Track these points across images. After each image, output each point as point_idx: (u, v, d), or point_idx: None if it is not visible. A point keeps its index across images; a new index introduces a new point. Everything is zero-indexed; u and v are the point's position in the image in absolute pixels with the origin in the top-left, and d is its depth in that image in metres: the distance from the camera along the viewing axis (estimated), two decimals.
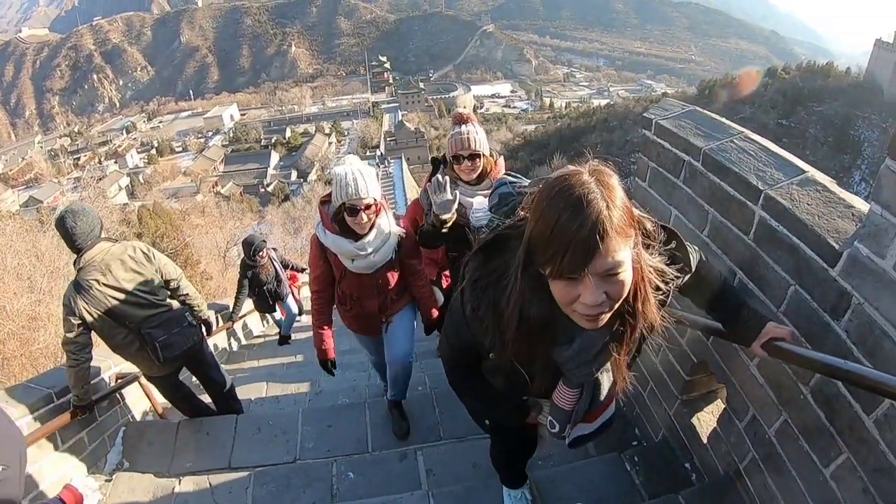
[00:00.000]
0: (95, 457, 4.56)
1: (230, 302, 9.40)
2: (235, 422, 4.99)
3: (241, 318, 10.11)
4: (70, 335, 3.96)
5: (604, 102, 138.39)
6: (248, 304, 9.83)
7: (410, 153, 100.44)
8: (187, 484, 4.19)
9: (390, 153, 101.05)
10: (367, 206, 3.48)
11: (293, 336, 10.20)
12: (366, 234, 3.67)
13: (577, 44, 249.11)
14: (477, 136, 3.83)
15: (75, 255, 3.97)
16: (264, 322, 12.12)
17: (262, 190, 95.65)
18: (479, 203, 3.82)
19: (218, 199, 75.64)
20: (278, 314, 10.10)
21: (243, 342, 10.66)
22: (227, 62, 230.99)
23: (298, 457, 4.57)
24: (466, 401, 2.46)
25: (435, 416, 4.86)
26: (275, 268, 9.22)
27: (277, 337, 10.25)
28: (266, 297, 9.34)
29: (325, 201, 3.72)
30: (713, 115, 3.20)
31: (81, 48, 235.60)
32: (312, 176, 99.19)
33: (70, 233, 3.94)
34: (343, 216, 3.55)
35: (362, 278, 3.95)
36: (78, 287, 3.96)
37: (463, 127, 3.88)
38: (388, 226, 3.76)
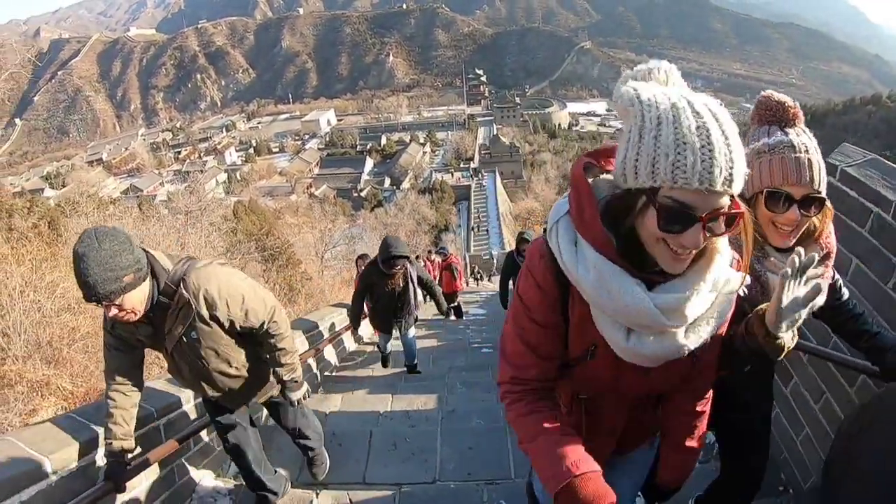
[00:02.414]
0: (220, 459, 4.53)
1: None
2: (370, 435, 4.89)
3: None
4: None
5: None
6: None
7: (504, 167, 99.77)
8: (325, 498, 4.11)
9: (484, 166, 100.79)
10: (718, 211, 1.38)
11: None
12: (688, 274, 1.56)
13: (673, 63, 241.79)
14: (818, 159, 1.94)
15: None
16: (356, 339, 10.78)
17: (356, 194, 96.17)
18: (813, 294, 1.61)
19: (312, 200, 76.73)
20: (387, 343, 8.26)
21: (352, 349, 10.18)
22: (325, 68, 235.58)
23: (438, 478, 4.37)
24: None
25: None
26: (406, 283, 7.21)
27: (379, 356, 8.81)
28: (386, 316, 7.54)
29: (589, 165, 1.63)
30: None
31: (186, 49, 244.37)
32: (405, 184, 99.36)
33: None
34: (646, 223, 1.44)
35: (625, 371, 1.77)
36: None
37: (794, 135, 1.99)
38: (725, 268, 1.62)
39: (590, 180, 1.59)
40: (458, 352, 10.46)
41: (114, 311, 2.62)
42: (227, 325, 3.01)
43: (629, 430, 2.08)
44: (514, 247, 9.28)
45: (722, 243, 1.59)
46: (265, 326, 3.17)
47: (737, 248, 1.65)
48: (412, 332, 7.83)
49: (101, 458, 3.20)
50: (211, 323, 2.96)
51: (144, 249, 2.79)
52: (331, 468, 4.46)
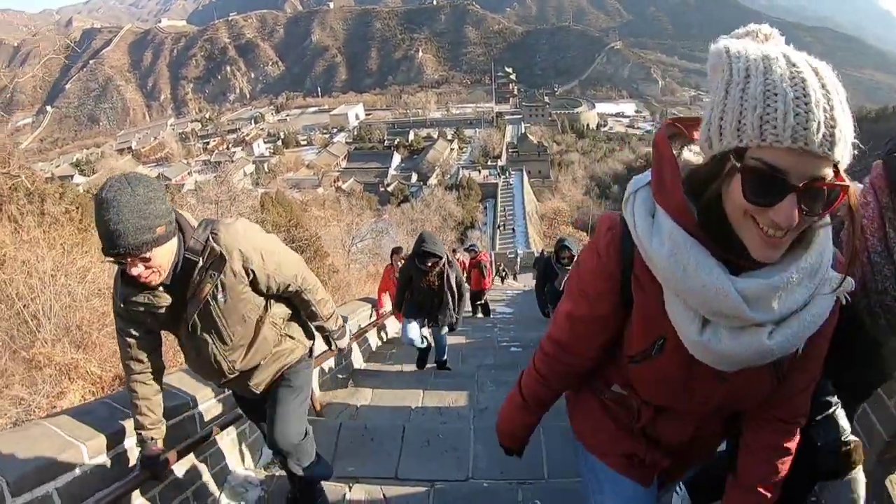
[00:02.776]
0: (251, 450, 4.53)
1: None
2: (403, 430, 4.88)
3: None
4: None
5: None
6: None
7: (531, 166, 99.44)
8: (359, 492, 4.12)
9: (512, 164, 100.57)
10: (816, 182, 1.16)
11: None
12: (776, 261, 1.30)
13: (705, 65, 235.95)
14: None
15: None
16: (382, 334, 10.64)
17: (382, 189, 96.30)
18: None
19: (338, 193, 76.84)
20: (414, 333, 7.55)
21: (377, 346, 10.03)
22: (355, 63, 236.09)
23: (471, 475, 4.36)
24: None
25: None
26: (443, 284, 7.02)
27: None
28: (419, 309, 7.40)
29: (675, 134, 1.47)
30: None
31: (217, 41, 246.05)
32: (432, 180, 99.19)
33: None
34: (732, 194, 1.24)
35: (697, 374, 1.55)
36: None
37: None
38: (827, 261, 1.38)
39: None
40: (487, 350, 10.40)
41: (138, 269, 2.38)
42: (261, 280, 2.76)
43: (687, 452, 1.86)
44: (538, 251, 9.30)
45: (825, 233, 1.34)
46: (298, 280, 2.97)
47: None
48: (445, 330, 7.67)
49: (134, 447, 3.07)
50: (242, 279, 2.70)
51: None
52: (363, 462, 4.46)
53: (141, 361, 2.86)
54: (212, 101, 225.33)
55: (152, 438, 2.93)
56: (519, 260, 44.31)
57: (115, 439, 3.02)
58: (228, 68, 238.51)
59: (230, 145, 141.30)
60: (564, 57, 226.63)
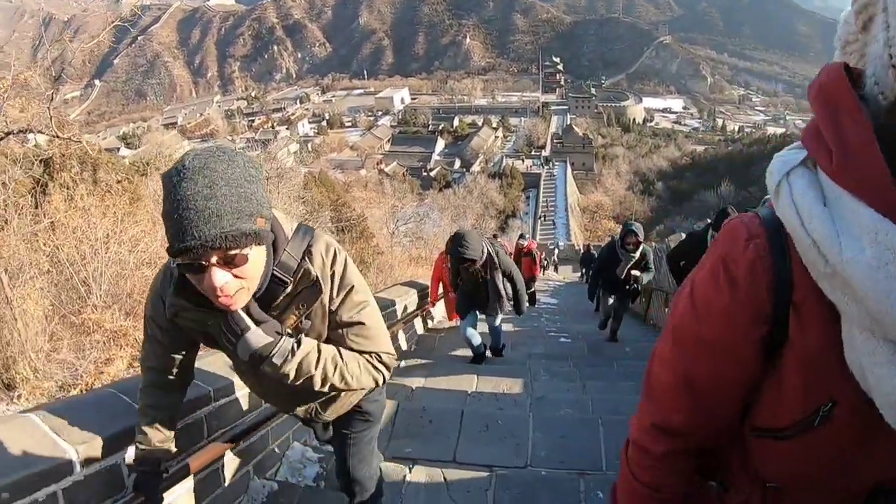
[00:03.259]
0: (305, 429, 4.33)
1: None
2: (461, 415, 4.85)
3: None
4: None
5: (779, 131, 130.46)
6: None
7: (575, 158, 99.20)
8: (418, 474, 4.05)
9: (556, 155, 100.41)
10: None
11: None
12: None
13: (755, 64, 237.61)
14: None
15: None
16: (428, 321, 10.16)
17: (425, 174, 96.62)
18: None
19: (381, 176, 77.30)
20: (472, 333, 7.29)
21: (422, 333, 9.62)
22: (401, 47, 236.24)
23: (529, 463, 4.29)
24: None
25: None
26: (487, 276, 6.64)
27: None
28: (468, 301, 7.11)
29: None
30: None
31: (265, 20, 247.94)
32: (476, 167, 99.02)
33: None
34: None
35: (875, 446, 1.02)
36: None
37: None
38: None
39: None
40: (537, 339, 10.43)
41: (223, 278, 1.64)
42: (338, 318, 2.10)
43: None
44: (580, 245, 8.90)
45: None
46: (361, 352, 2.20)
47: None
48: (499, 319, 7.44)
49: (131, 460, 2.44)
50: (327, 314, 2.07)
51: None
52: (421, 444, 4.45)
53: (166, 371, 2.31)
54: (258, 80, 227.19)
55: (157, 459, 2.33)
56: (557, 252, 44.01)
57: (120, 442, 2.47)
58: (275, 48, 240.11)
59: (275, 124, 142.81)
60: (612, 49, 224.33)
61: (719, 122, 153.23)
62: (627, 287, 8.46)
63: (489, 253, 6.51)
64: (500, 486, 3.93)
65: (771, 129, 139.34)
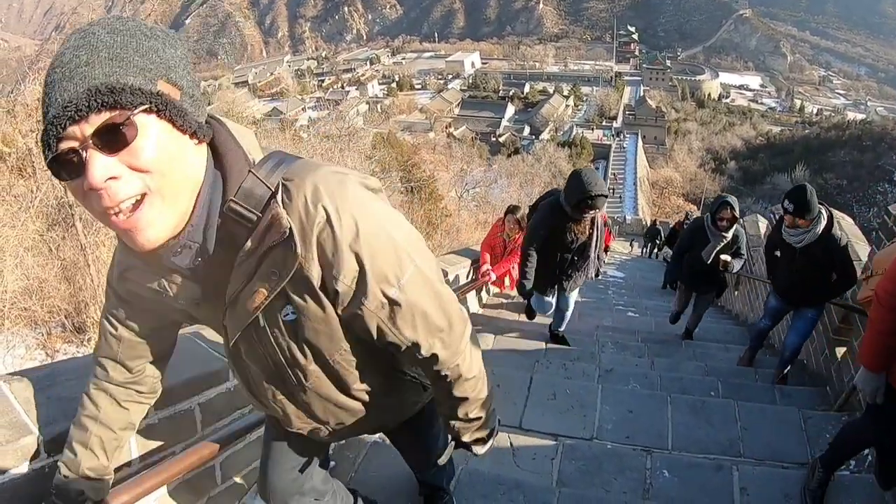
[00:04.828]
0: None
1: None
2: (530, 382, 4.90)
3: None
4: None
5: (860, 117, 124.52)
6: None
7: (647, 131, 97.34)
8: None
9: (627, 127, 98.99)
10: None
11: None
12: None
13: (838, 45, 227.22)
14: None
15: None
16: (485, 291, 9.06)
17: (494, 139, 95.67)
18: None
19: (450, 139, 77.18)
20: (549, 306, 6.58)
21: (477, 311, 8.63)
22: (473, 10, 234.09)
23: (595, 436, 4.37)
24: None
25: (737, 429, 4.42)
26: (593, 232, 5.68)
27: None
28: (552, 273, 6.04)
29: None
30: None
31: None
32: (545, 135, 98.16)
33: None
34: None
35: None
36: None
37: None
38: None
39: None
40: (604, 310, 10.57)
41: (102, 170, 1.08)
42: (351, 318, 1.43)
43: None
44: (647, 221, 8.13)
45: None
46: (429, 352, 1.54)
47: None
48: (575, 295, 6.39)
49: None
50: (322, 294, 1.37)
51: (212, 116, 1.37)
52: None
53: (123, 369, 1.72)
54: (328, 41, 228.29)
55: (77, 495, 1.72)
56: (624, 226, 43.55)
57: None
58: (346, 9, 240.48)
59: (345, 84, 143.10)
60: (690, 20, 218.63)
61: (797, 102, 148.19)
62: (714, 275, 7.00)
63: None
64: (566, 455, 3.96)
65: (851, 115, 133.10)
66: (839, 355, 5.37)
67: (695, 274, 7.11)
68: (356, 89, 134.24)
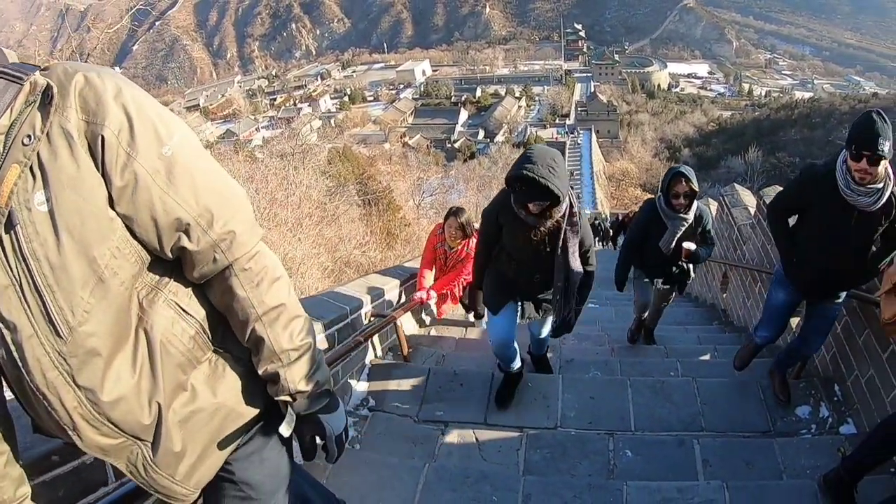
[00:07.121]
0: (342, 392, 4.49)
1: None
2: (491, 378, 4.86)
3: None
4: None
5: (807, 96, 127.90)
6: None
7: (600, 126, 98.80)
8: (451, 435, 4.25)
9: (580, 123, 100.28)
10: None
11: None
12: None
13: (782, 27, 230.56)
14: None
15: None
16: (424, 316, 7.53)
17: (449, 145, 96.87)
18: None
19: (405, 149, 77.42)
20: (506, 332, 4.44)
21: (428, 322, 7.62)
22: (421, 19, 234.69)
23: (559, 424, 4.44)
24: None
25: (696, 405, 4.54)
26: (559, 243, 3.79)
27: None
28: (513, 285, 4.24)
29: None
30: None
31: None
32: (500, 137, 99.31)
33: None
34: None
35: None
36: None
37: None
38: None
39: None
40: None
41: None
42: (123, 191, 1.20)
43: None
44: (607, 214, 6.85)
45: None
46: (214, 223, 1.30)
47: None
48: (547, 328, 4.61)
49: None
50: (82, 163, 1.15)
51: None
52: (453, 407, 4.59)
53: None
54: (278, 59, 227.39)
55: None
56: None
57: None
58: (294, 25, 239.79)
59: (297, 101, 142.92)
60: (635, 14, 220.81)
61: (746, 86, 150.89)
62: (675, 269, 5.59)
63: (571, 204, 3.70)
64: (531, 445, 4.11)
65: (798, 94, 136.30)
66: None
67: (652, 269, 5.73)
68: (308, 105, 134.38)
